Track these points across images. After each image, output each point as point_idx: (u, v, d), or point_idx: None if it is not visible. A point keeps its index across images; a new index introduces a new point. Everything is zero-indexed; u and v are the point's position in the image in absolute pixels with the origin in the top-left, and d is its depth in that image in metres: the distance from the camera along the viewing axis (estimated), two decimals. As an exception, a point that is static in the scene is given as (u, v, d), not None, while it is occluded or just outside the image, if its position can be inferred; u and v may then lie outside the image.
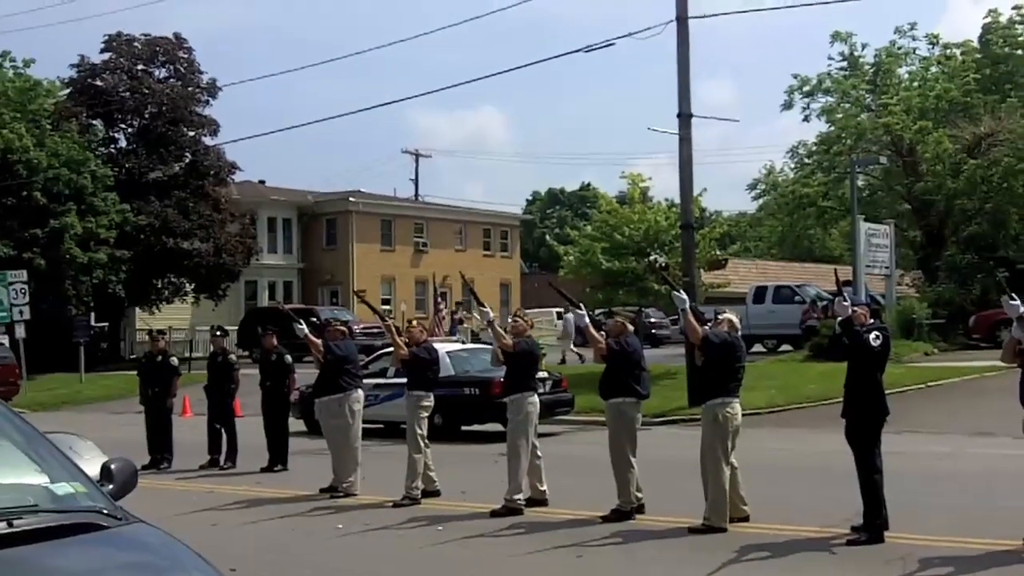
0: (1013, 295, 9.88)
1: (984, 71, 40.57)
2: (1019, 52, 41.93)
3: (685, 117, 23.78)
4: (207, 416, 18.21)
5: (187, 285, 47.89)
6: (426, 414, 14.00)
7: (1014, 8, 42.41)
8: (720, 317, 11.70)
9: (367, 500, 13.86)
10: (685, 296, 11.76)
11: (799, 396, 22.85)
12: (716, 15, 34.41)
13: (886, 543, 10.16)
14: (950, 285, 37.23)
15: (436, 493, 13.83)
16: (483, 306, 13.95)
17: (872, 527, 10.29)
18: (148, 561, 4.94)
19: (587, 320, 12.60)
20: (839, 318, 10.66)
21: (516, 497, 12.55)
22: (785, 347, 36.08)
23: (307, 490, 14.57)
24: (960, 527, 10.72)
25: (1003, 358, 10.67)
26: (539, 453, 13.03)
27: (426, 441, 13.84)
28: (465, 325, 39.62)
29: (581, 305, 12.98)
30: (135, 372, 19.86)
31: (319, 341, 14.92)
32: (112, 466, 5.67)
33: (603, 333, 12.53)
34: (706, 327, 11.66)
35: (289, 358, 17.49)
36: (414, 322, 15.42)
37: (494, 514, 12.35)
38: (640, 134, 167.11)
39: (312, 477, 15.07)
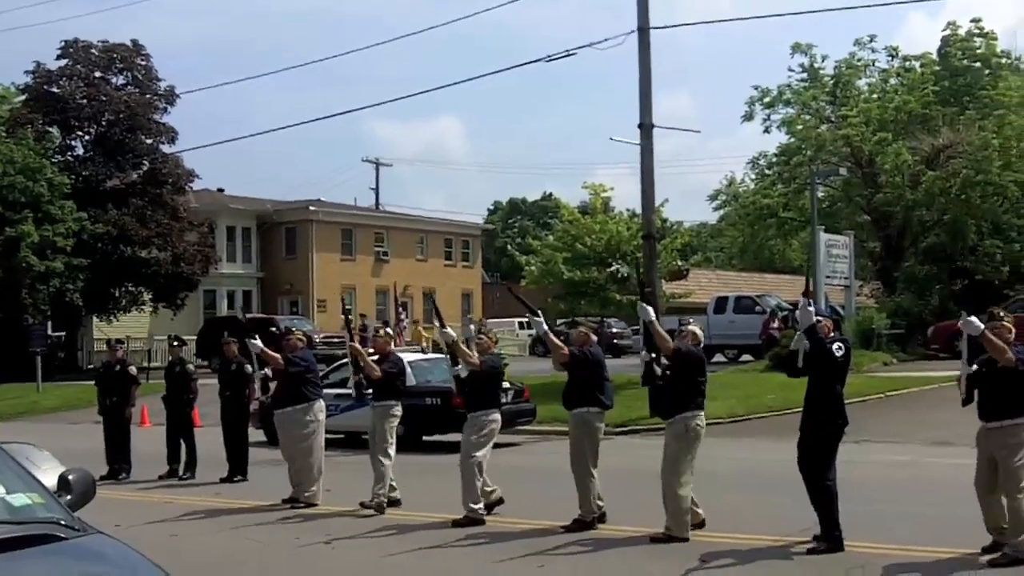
0: (972, 316, 9.86)
1: (943, 83, 40.90)
2: (977, 65, 42.31)
3: (646, 127, 23.87)
4: (166, 426, 18.06)
5: (145, 294, 47.59)
6: (396, 423, 14.00)
7: (972, 21, 42.88)
8: (685, 329, 11.73)
9: (327, 510, 13.78)
10: (651, 308, 11.75)
11: (759, 406, 22.93)
12: (677, 26, 34.71)
13: (845, 552, 10.21)
14: (909, 296, 37.56)
15: (397, 503, 13.79)
16: (444, 327, 13.59)
17: (831, 536, 10.34)
18: (106, 572, 4.90)
19: (545, 327, 12.54)
20: (803, 326, 10.62)
21: (476, 507, 12.51)
22: (746, 357, 36.26)
23: (267, 500, 14.46)
24: (919, 536, 10.78)
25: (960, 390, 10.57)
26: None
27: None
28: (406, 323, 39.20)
29: (539, 312, 12.88)
30: (93, 382, 19.68)
31: (277, 355, 14.76)
32: (70, 477, 5.63)
33: (563, 338, 12.54)
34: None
35: (249, 367, 17.34)
36: (381, 331, 15.36)
37: (455, 524, 12.31)
38: (602, 144, 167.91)
39: (272, 487, 14.96)
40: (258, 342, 14.99)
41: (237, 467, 16.91)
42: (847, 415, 10.69)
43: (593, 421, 12.22)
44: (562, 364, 12.30)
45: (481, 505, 12.56)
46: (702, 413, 11.49)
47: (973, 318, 9.80)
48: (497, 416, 12.91)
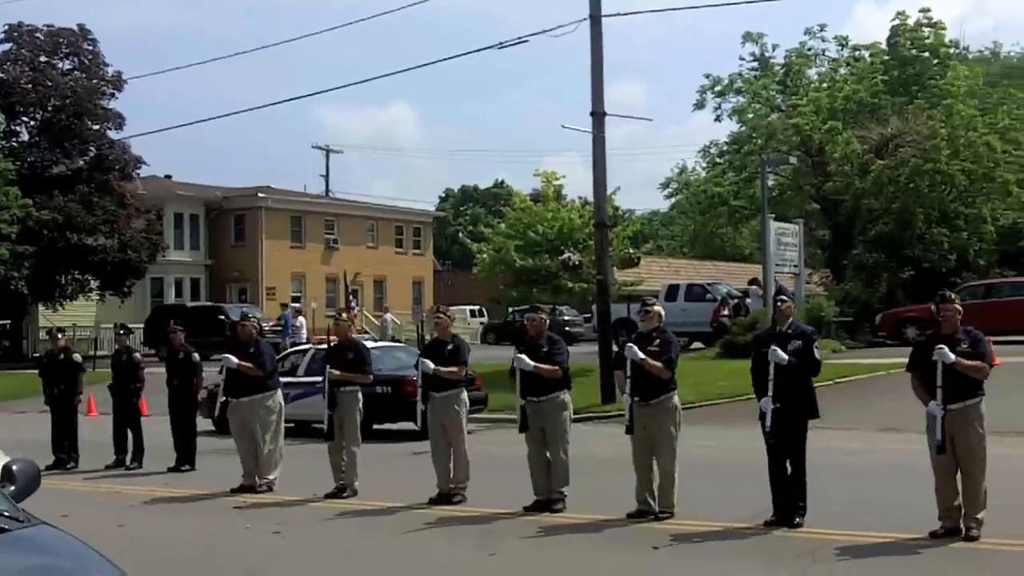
0: (943, 346, 9.90)
1: (892, 73, 41.25)
2: (926, 54, 42.69)
3: (598, 115, 23.84)
4: (112, 415, 17.85)
5: (92, 282, 47.09)
6: (361, 406, 13.97)
7: (921, 11, 43.25)
8: (650, 311, 11.78)
9: (277, 499, 13.68)
10: (636, 347, 11.55)
11: (711, 393, 23.01)
12: (630, 13, 34.79)
13: (797, 536, 10.28)
14: (857, 284, 37.88)
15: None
16: (426, 359, 13.43)
17: (803, 510, 10.61)
18: (51, 564, 4.79)
19: (532, 364, 12.19)
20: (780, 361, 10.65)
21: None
22: (697, 345, 36.39)
23: (215, 490, 14.34)
24: (869, 521, 10.87)
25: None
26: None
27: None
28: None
29: (524, 354, 12.44)
30: (37, 371, 19.42)
31: (250, 365, 14.49)
32: (14, 467, 5.52)
33: (518, 325, 12.55)
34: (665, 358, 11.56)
35: (197, 356, 17.19)
36: (344, 315, 15.20)
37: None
38: (554, 132, 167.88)
39: (220, 477, 14.83)
40: (233, 359, 14.57)
41: (185, 456, 16.75)
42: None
43: (568, 402, 12.46)
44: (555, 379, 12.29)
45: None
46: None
47: (945, 348, 9.85)
48: (464, 394, 13.19)
